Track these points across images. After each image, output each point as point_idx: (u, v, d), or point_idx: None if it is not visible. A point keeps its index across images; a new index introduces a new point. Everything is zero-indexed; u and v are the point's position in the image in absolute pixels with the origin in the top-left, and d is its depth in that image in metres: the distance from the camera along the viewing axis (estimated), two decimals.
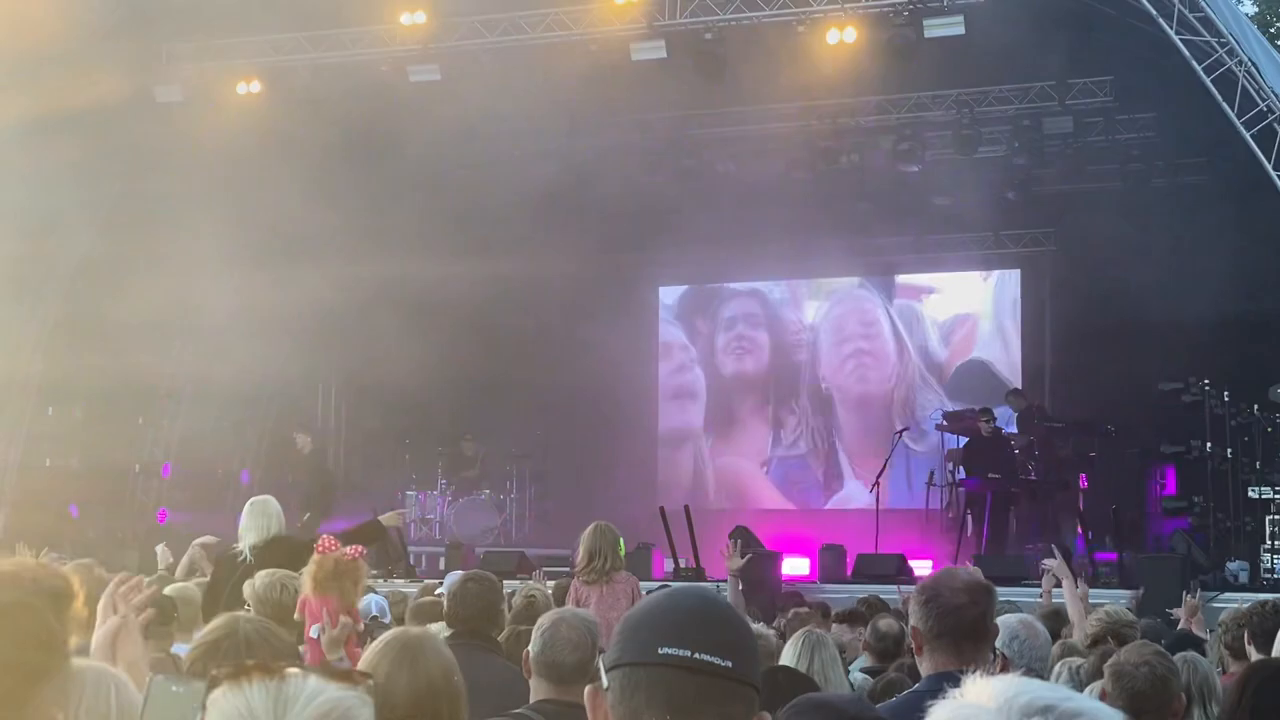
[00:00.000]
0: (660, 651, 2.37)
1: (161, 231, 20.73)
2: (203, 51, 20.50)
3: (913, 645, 4.97)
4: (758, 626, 8.36)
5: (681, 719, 2.36)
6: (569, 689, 5.34)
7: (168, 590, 8.91)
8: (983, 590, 4.94)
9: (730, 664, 2.38)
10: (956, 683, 1.88)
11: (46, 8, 18.17)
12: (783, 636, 8.07)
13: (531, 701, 5.59)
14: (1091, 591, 11.53)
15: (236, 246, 20.95)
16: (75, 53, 18.71)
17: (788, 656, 6.90)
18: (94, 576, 6.79)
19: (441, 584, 12.74)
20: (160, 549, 13.68)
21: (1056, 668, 6.96)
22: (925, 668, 4.88)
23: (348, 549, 8.39)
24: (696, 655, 2.36)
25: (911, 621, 4.93)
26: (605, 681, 2.42)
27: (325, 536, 8.75)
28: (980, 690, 1.86)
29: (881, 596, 13.03)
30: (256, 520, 10.22)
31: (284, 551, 9.97)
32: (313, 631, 7.91)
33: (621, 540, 10.70)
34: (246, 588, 7.67)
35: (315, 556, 8.34)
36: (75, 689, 2.61)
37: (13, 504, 21.70)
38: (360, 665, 4.24)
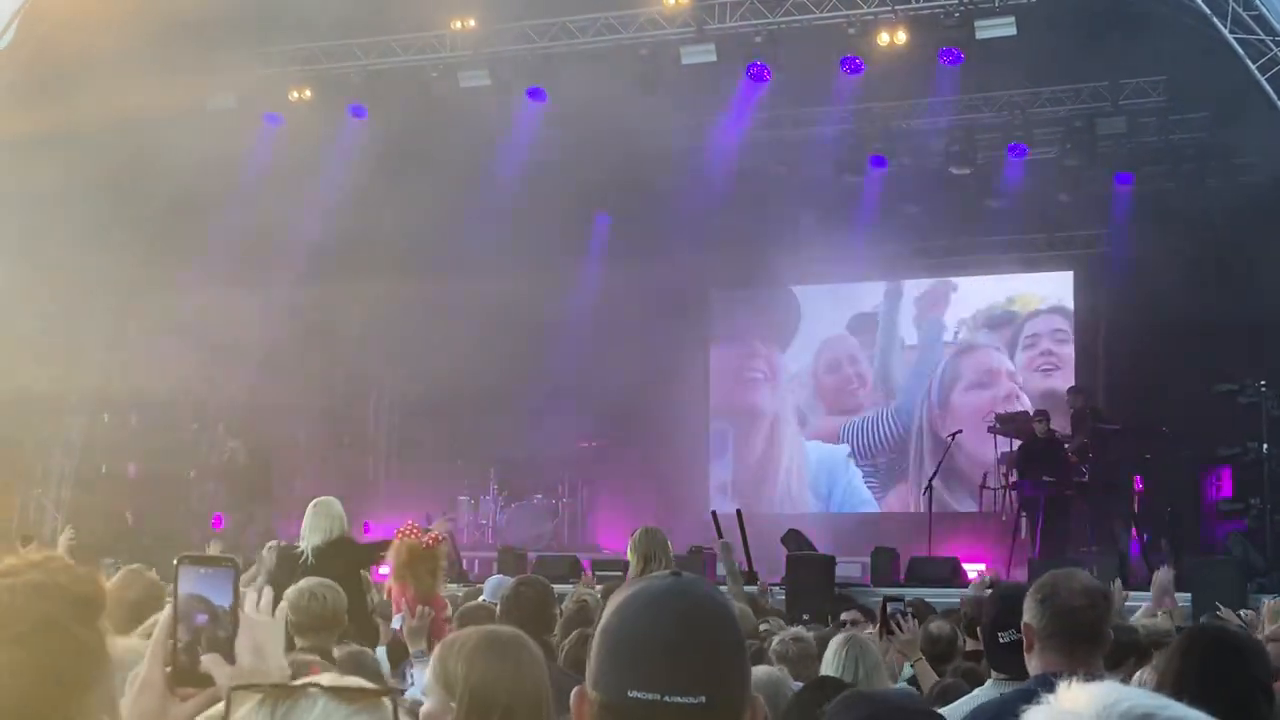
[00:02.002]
0: (629, 695, 2.29)
1: (212, 240, 20.83)
2: (255, 59, 20.60)
3: (1024, 642, 4.93)
4: (797, 629, 8.31)
5: None
6: None
7: None
8: (1101, 595, 4.93)
9: (703, 699, 2.29)
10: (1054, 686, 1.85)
11: (98, 16, 18.32)
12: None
13: None
14: (1145, 595, 11.47)
15: (285, 256, 21.08)
16: (127, 60, 18.83)
17: (830, 663, 6.86)
18: (144, 580, 6.82)
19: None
20: (212, 544, 13.77)
21: (1137, 675, 6.91)
22: (1033, 667, 4.85)
23: (425, 536, 8.38)
24: (666, 699, 2.28)
25: (1025, 618, 4.89)
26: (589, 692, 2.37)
27: (409, 523, 8.77)
28: (1077, 696, 1.82)
29: (928, 600, 12.96)
30: (320, 521, 10.27)
31: (346, 553, 10.02)
32: (394, 623, 7.93)
33: (669, 543, 10.69)
34: (290, 594, 7.70)
35: (393, 543, 8.35)
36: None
37: (69, 510, 21.86)
38: (461, 664, 4.17)
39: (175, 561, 2.31)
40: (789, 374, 26.14)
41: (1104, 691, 1.81)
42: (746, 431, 26.23)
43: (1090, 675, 4.67)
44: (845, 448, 25.46)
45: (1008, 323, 24.97)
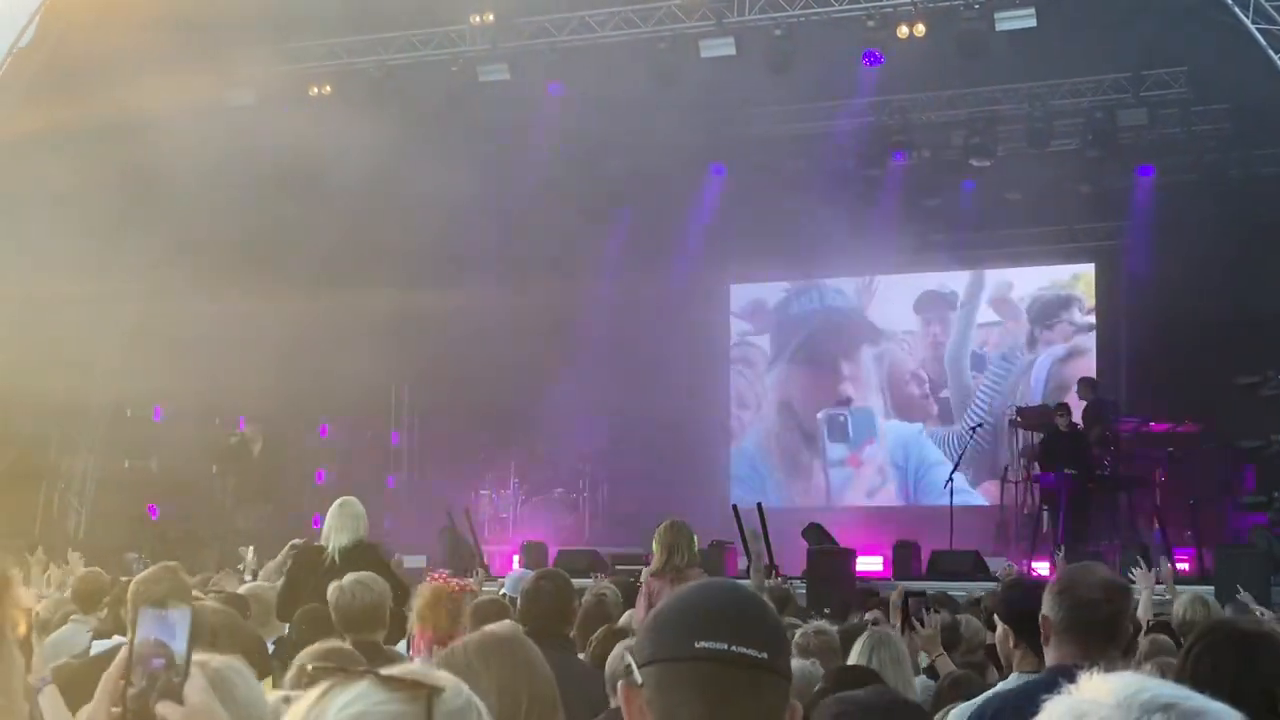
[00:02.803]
0: (697, 645, 2.37)
1: (232, 237, 20.86)
2: (275, 55, 20.62)
3: (1041, 634, 4.94)
4: (820, 623, 8.32)
5: (720, 712, 2.36)
6: None
7: (241, 589, 8.98)
8: (1119, 590, 4.93)
9: (766, 655, 2.38)
10: (1075, 675, 1.85)
11: (117, 14, 18.35)
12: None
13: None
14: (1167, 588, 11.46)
15: (308, 252, 21.11)
16: (146, 58, 18.86)
17: (853, 656, 6.89)
18: (178, 580, 6.87)
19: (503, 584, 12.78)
20: (243, 549, 13.80)
21: (1147, 667, 6.88)
22: (1049, 658, 4.89)
23: (455, 581, 8.38)
24: (733, 648, 2.37)
25: (1043, 610, 4.91)
26: (639, 678, 2.41)
27: (440, 573, 8.78)
28: (1098, 686, 1.83)
29: (950, 594, 12.94)
30: (346, 521, 10.23)
31: (370, 556, 9.99)
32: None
33: (695, 537, 10.68)
34: (332, 591, 7.68)
35: (421, 585, 8.36)
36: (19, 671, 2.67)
37: (92, 506, 21.93)
38: (479, 666, 4.16)
39: (136, 606, 2.35)
40: (857, 378, 26.02)
41: (1125, 681, 1.82)
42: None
43: (1107, 669, 4.66)
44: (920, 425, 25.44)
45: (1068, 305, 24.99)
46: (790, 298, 26.44)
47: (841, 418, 25.84)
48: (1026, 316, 25.08)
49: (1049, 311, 25.03)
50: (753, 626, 2.41)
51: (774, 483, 25.69)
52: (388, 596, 7.71)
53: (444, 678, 2.00)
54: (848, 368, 25.89)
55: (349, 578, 7.70)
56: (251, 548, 14.05)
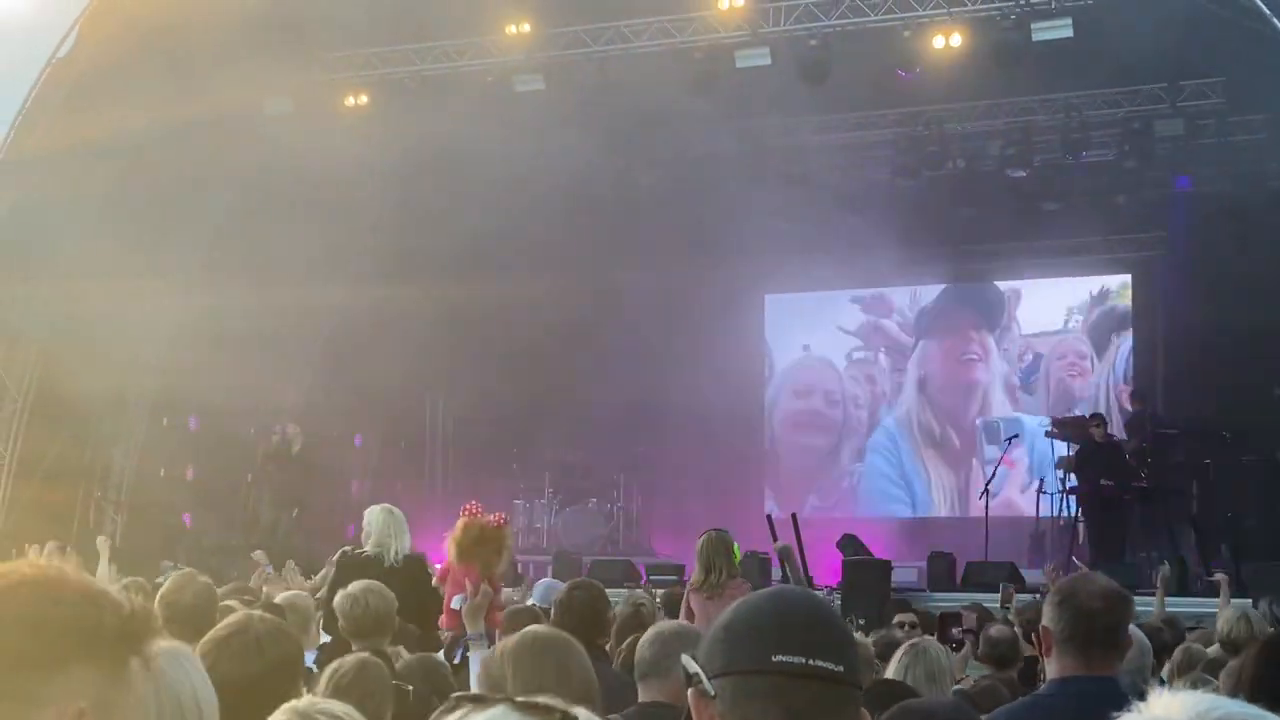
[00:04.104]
0: (774, 659, 2.35)
1: (272, 244, 20.94)
2: (311, 64, 20.68)
3: (1040, 645, 4.91)
4: (856, 635, 8.32)
5: None
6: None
7: (278, 598, 9.00)
8: (1120, 598, 4.87)
9: (842, 668, 2.37)
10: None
11: (154, 23, 18.46)
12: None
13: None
14: (1203, 601, 11.40)
15: (342, 260, 21.15)
16: (184, 66, 18.96)
17: (892, 667, 6.88)
18: (197, 584, 6.91)
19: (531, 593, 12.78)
20: (256, 553, 13.85)
21: (1181, 681, 6.84)
22: (1052, 670, 4.81)
23: (491, 515, 8.41)
24: (811, 662, 2.35)
25: (1043, 621, 4.86)
26: (711, 689, 2.39)
27: (473, 503, 8.81)
28: (1168, 704, 1.81)
29: (986, 605, 12.91)
30: (402, 527, 10.33)
31: (419, 568, 10.00)
32: (454, 603, 7.94)
33: (736, 546, 10.67)
34: (342, 600, 7.71)
35: (460, 521, 8.37)
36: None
37: (128, 514, 22.01)
38: (507, 669, 4.14)
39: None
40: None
41: (1197, 699, 1.80)
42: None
43: (1108, 679, 4.63)
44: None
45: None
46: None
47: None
48: (1059, 327, 25.02)
49: (1082, 324, 24.95)
50: (829, 639, 2.40)
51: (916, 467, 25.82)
52: (395, 604, 7.73)
53: (580, 710, 2.01)
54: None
55: (358, 585, 7.73)
56: (261, 552, 14.10)
